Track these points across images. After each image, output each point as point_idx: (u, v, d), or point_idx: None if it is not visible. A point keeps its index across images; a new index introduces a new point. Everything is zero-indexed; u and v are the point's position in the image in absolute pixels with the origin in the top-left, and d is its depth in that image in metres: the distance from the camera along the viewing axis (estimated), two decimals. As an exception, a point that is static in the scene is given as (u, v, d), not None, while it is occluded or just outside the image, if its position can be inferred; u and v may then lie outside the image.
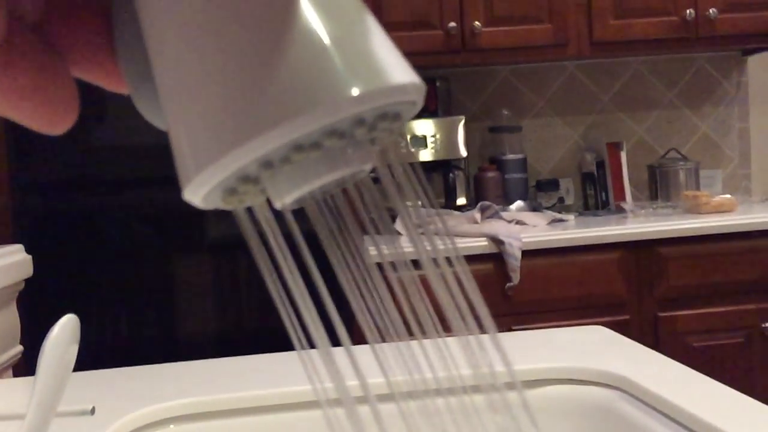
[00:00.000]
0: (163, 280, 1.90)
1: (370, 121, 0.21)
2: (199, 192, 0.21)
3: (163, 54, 0.21)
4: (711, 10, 2.18)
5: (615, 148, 2.41)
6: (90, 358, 0.78)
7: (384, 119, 0.21)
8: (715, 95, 2.54)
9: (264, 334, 1.90)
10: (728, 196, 2.12)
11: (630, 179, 2.40)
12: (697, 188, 2.32)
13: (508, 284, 1.89)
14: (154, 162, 1.87)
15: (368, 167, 0.22)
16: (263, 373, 0.74)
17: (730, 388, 0.62)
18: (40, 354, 0.31)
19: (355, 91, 0.20)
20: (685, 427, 0.56)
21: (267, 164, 0.20)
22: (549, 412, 0.67)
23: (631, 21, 2.20)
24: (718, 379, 0.63)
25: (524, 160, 2.39)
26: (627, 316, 1.92)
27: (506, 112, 2.45)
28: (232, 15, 0.20)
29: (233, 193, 0.21)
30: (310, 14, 0.20)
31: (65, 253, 1.84)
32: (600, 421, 0.65)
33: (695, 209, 2.09)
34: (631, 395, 0.63)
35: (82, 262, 1.85)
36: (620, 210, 2.28)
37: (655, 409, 0.60)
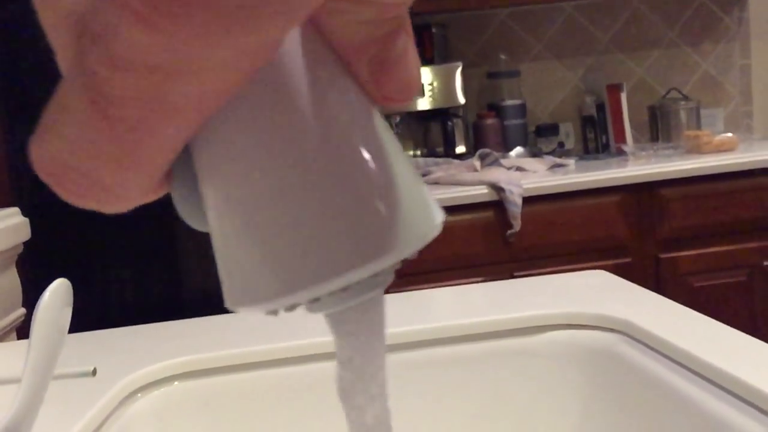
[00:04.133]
0: (167, 241, 1.90)
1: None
2: (243, 310, 0.22)
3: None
4: (711, -56, 2.13)
5: (615, 89, 2.38)
6: (94, 319, 0.79)
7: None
8: (716, 32, 2.49)
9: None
10: (729, 134, 2.11)
11: (630, 121, 2.38)
12: (699, 128, 2.30)
13: (509, 231, 1.89)
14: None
15: (389, 283, 0.24)
16: (268, 329, 0.74)
17: (732, 328, 0.62)
18: (32, 321, 0.31)
19: (431, 230, 0.22)
20: (687, 368, 0.56)
21: (344, 288, 0.21)
22: (550, 357, 0.68)
23: (630, -42, 2.15)
24: (720, 319, 0.63)
25: (523, 106, 2.37)
26: (628, 259, 1.93)
27: (504, 57, 2.41)
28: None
29: (280, 310, 0.22)
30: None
31: (64, 215, 1.83)
32: (602, 365, 0.65)
33: (696, 149, 2.07)
34: (633, 338, 0.63)
35: (82, 224, 1.85)
36: (621, 153, 2.27)
37: (657, 351, 0.60)
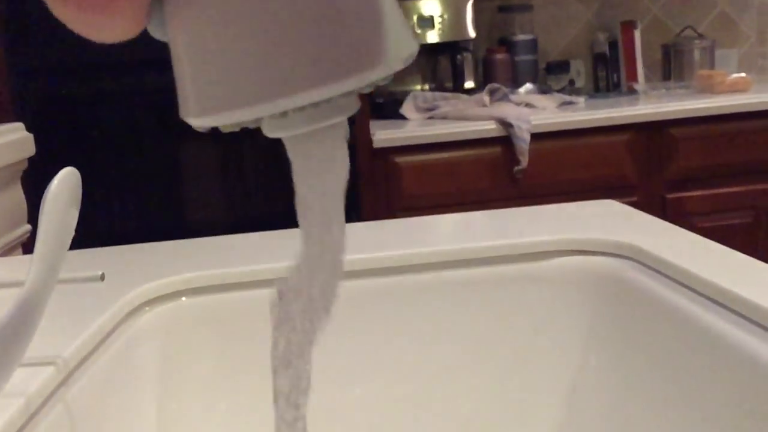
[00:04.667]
0: (168, 166, 1.89)
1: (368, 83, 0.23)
2: (202, 123, 0.23)
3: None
4: None
5: (629, 26, 2.32)
6: (97, 243, 0.78)
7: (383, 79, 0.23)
8: (736, -31, 2.43)
9: (272, 219, 1.92)
10: (743, 74, 2.07)
11: (643, 59, 2.33)
12: (712, 68, 2.25)
13: (516, 167, 1.88)
14: (158, 45, 1.82)
15: (354, 111, 0.24)
16: (274, 248, 0.74)
17: (743, 254, 0.61)
18: (40, 211, 0.31)
19: (405, 52, 0.22)
20: (697, 292, 0.56)
21: (283, 113, 0.22)
22: (559, 283, 0.67)
23: None
24: None
25: (534, 41, 2.32)
26: (635, 198, 1.92)
27: (517, -9, 2.35)
28: None
29: (230, 128, 0.23)
30: None
31: (69, 136, 1.82)
32: (611, 290, 0.65)
33: (709, 89, 2.04)
34: (642, 264, 0.63)
35: (86, 146, 1.84)
36: (632, 91, 2.23)
37: (666, 276, 0.59)
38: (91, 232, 1.87)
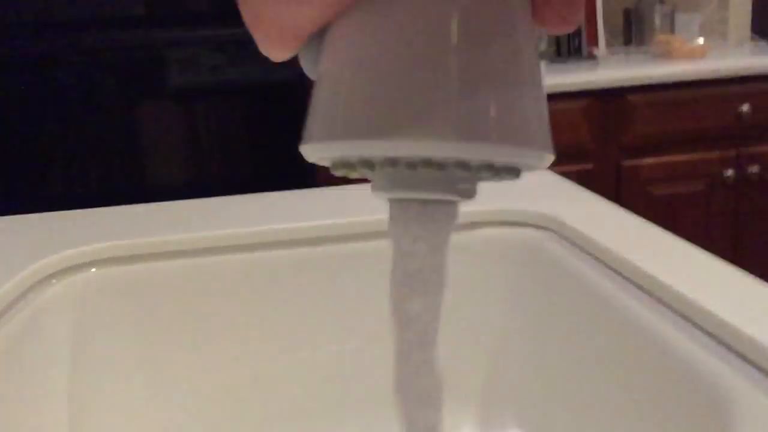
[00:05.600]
0: (128, 129, 1.84)
1: (498, 167, 0.21)
2: (315, 153, 0.22)
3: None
4: None
5: (591, -10, 2.30)
6: (56, 208, 0.75)
7: (507, 172, 0.21)
8: (700, -67, 2.40)
9: (231, 182, 1.88)
10: (701, 41, 2.06)
11: (605, 24, 2.32)
12: (672, 32, 2.24)
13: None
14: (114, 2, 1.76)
15: (470, 198, 0.23)
16: (194, 217, 0.71)
17: (665, 231, 0.61)
18: None
19: (548, 159, 0.22)
20: (612, 269, 0.55)
21: (393, 162, 0.20)
22: (482, 253, 0.66)
23: None
24: (676, 228, 0.62)
25: (496, 4, 2.29)
26: (590, 165, 1.92)
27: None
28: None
29: (340, 167, 0.22)
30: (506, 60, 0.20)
31: (23, 98, 1.77)
32: (529, 261, 0.64)
33: (667, 54, 2.03)
34: (562, 236, 0.62)
35: (40, 110, 1.78)
36: (592, 57, 2.22)
37: (582, 249, 0.59)
38: (50, 196, 1.83)
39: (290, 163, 1.49)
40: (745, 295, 0.47)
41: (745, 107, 1.93)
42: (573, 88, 1.87)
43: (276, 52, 0.21)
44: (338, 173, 0.22)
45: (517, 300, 0.64)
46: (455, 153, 0.20)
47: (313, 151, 0.22)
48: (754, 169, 1.96)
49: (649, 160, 1.94)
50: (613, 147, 1.93)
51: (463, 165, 0.20)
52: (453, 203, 0.23)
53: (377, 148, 0.20)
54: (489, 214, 0.67)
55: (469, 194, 0.22)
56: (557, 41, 2.38)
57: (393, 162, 0.20)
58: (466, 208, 0.68)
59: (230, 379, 0.66)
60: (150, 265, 0.65)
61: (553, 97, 1.87)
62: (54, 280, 0.62)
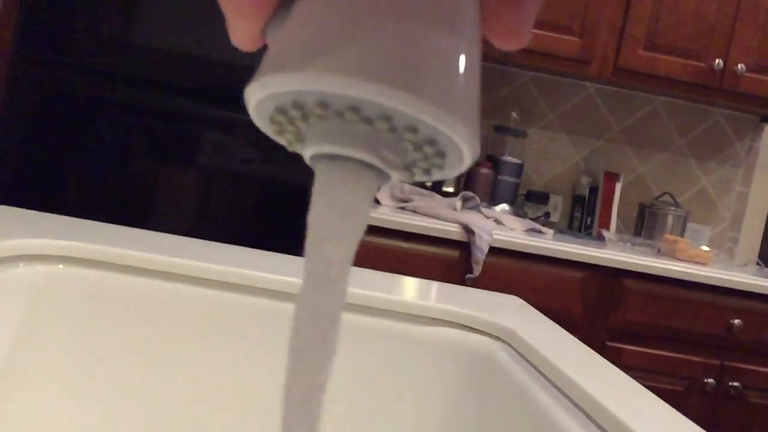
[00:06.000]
0: (145, 191, 1.89)
1: (422, 138, 0.22)
2: (259, 92, 0.22)
3: None
4: (740, 66, 2.17)
5: (612, 178, 2.40)
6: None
7: (430, 146, 0.22)
8: (724, 153, 2.52)
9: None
10: (706, 248, 2.11)
11: (619, 212, 2.39)
12: (682, 236, 2.30)
13: (468, 275, 1.89)
14: (167, 68, 1.86)
15: (394, 178, 0.24)
16: (174, 247, 0.73)
17: (617, 369, 0.61)
18: None
19: (476, 148, 0.22)
20: (560, 390, 0.56)
21: (324, 105, 0.22)
22: (431, 350, 0.67)
23: (660, 56, 2.18)
24: None
25: (521, 166, 2.39)
26: (575, 337, 1.91)
27: (515, 116, 2.44)
28: None
29: (275, 121, 0.23)
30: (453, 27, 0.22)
31: (54, 134, 1.83)
32: (478, 367, 0.64)
33: (671, 254, 2.08)
34: (514, 348, 0.62)
35: (70, 149, 1.84)
36: (600, 237, 2.27)
37: (530, 363, 0.59)
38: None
39: (289, 241, 1.52)
40: (670, 424, 0.47)
41: (737, 321, 1.94)
42: (574, 258, 1.90)
43: (244, 27, 0.23)
44: (272, 132, 0.24)
45: (458, 402, 0.64)
46: (373, 94, 0.20)
47: (251, 92, 0.22)
48: (735, 383, 1.94)
49: (633, 348, 1.93)
50: (601, 325, 1.94)
51: (388, 119, 0.21)
52: (374, 178, 0.24)
53: (306, 82, 0.21)
54: (450, 314, 0.68)
55: (390, 163, 0.23)
56: (571, 217, 2.45)
57: (323, 105, 0.21)
58: (429, 303, 0.69)
59: (151, 404, 0.65)
60: (117, 276, 0.66)
61: (554, 261, 1.91)
62: (21, 264, 0.64)
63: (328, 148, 0.23)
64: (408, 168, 0.24)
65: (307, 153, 0.24)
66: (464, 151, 0.22)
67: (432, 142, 0.22)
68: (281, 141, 0.24)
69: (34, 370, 0.63)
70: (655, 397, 0.52)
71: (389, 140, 0.22)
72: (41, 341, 0.63)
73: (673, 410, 0.50)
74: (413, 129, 0.22)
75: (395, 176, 0.23)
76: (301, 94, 0.22)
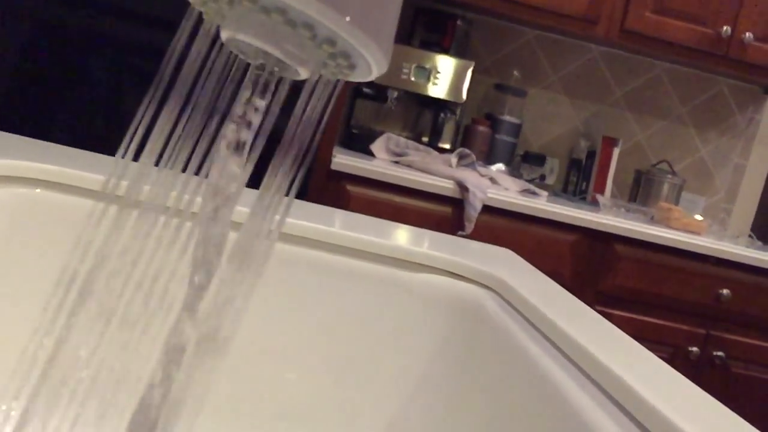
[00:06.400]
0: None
1: (321, 37, 0.23)
2: None
3: None
4: (747, 34, 2.13)
5: (610, 142, 2.37)
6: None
7: (342, 58, 0.23)
8: (725, 124, 2.50)
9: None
10: (700, 217, 2.10)
11: (615, 177, 2.37)
12: (676, 205, 2.29)
13: (459, 232, 1.87)
14: (160, 3, 1.81)
15: (302, 74, 0.25)
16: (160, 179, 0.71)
17: (606, 321, 0.60)
18: None
19: (379, 57, 0.23)
20: (548, 339, 0.54)
21: None
22: (418, 296, 0.65)
23: (667, 20, 2.14)
24: None
25: (519, 126, 2.35)
26: (564, 300, 1.91)
27: (516, 74, 2.40)
28: None
29: None
30: None
31: (44, 70, 1.79)
32: (464, 313, 0.62)
33: (665, 221, 2.06)
34: (501, 296, 0.61)
35: (60, 85, 1.80)
36: (594, 202, 2.26)
37: (517, 310, 0.58)
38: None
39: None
40: (652, 368, 0.46)
41: (726, 292, 1.94)
42: (567, 221, 1.89)
43: None
44: (196, 3, 0.24)
45: (445, 348, 0.62)
46: (305, 5, 0.21)
47: None
48: (719, 353, 1.95)
49: (620, 313, 1.93)
50: (590, 288, 1.94)
51: (310, 28, 0.22)
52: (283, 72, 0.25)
53: None
54: (438, 260, 0.66)
55: (294, 58, 0.24)
56: (566, 180, 2.43)
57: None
58: (418, 249, 0.67)
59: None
60: (93, 202, 0.64)
61: (546, 223, 1.89)
62: (-4, 185, 0.61)
63: (243, 37, 0.24)
64: (316, 70, 0.25)
65: (224, 34, 0.24)
66: (373, 70, 0.24)
67: (346, 56, 0.23)
68: (200, 8, 0.25)
69: (8, 291, 0.61)
70: (640, 346, 0.51)
71: (290, 34, 0.23)
72: (15, 263, 0.61)
73: (656, 358, 0.48)
74: (332, 42, 0.23)
75: (302, 72, 0.25)
76: None
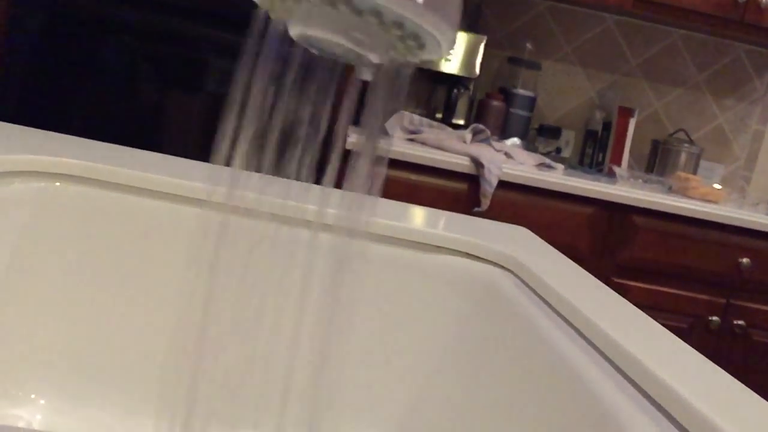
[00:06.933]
0: (150, 117, 1.87)
1: (389, 22, 0.23)
2: None
3: None
4: (765, -2, 2.09)
5: (626, 113, 2.35)
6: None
7: (411, 39, 0.24)
8: (743, 90, 2.46)
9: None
10: (718, 186, 2.08)
11: (631, 148, 2.35)
12: (695, 174, 2.27)
13: (476, 208, 1.87)
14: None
15: (373, 59, 0.26)
16: (175, 167, 0.72)
17: (621, 297, 0.60)
18: None
19: (448, 38, 0.24)
20: (565, 319, 0.55)
21: None
22: (434, 277, 0.66)
23: (682, -14, 2.10)
24: None
25: (534, 100, 2.34)
26: (582, 273, 1.91)
27: (530, 47, 2.38)
28: None
29: None
30: None
31: (59, 57, 1.80)
32: (481, 294, 0.63)
33: (683, 191, 2.05)
34: (518, 276, 0.61)
35: (75, 72, 1.81)
36: (611, 174, 2.25)
37: (533, 290, 0.58)
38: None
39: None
40: (671, 349, 0.46)
41: (746, 260, 1.93)
42: (584, 194, 1.88)
43: None
44: (262, 3, 0.24)
45: (462, 330, 0.63)
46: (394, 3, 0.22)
47: None
48: (740, 322, 1.95)
49: (639, 284, 1.93)
50: (608, 261, 1.93)
51: (377, 14, 0.22)
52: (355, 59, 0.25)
53: None
54: (454, 242, 0.67)
55: (366, 46, 0.24)
56: (582, 152, 2.42)
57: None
58: (434, 231, 0.68)
59: (144, 319, 0.65)
60: (113, 194, 0.65)
61: (562, 196, 1.89)
62: (17, 180, 0.62)
63: (313, 31, 0.24)
64: (385, 53, 0.26)
65: (293, 31, 0.25)
66: (443, 47, 0.24)
67: (415, 36, 0.23)
68: (267, 9, 0.25)
69: (29, 288, 0.62)
70: (658, 325, 0.51)
71: (374, 32, 0.23)
72: (36, 257, 0.63)
73: (674, 337, 0.49)
74: (400, 24, 0.23)
75: (373, 58, 0.25)
76: None
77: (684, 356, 0.47)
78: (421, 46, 0.24)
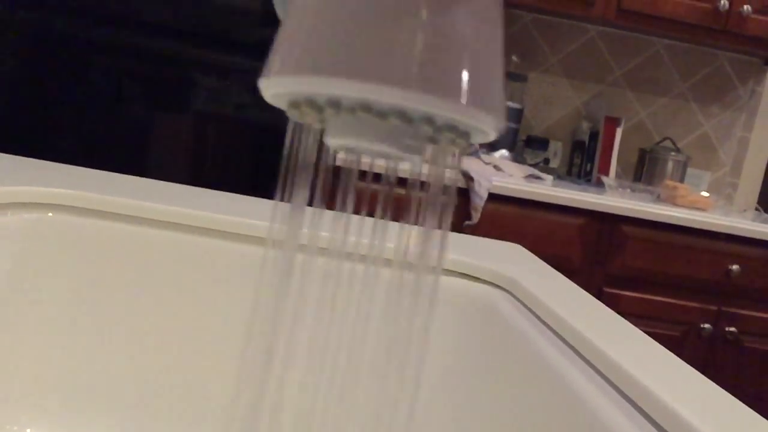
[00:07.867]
0: (138, 137, 1.86)
1: (440, 125, 0.22)
2: (271, 89, 0.22)
3: None
4: (745, 7, 2.12)
5: (613, 122, 2.37)
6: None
7: (453, 131, 0.22)
8: (727, 98, 2.49)
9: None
10: (706, 194, 2.10)
11: (619, 157, 2.37)
12: (682, 182, 2.29)
13: (466, 222, 1.87)
14: (161, 10, 1.81)
15: (417, 160, 0.24)
16: (165, 194, 0.71)
17: (617, 315, 0.60)
18: None
19: (497, 120, 0.22)
20: (562, 339, 0.55)
21: (336, 104, 0.21)
22: (437, 299, 0.66)
23: (664, -3, 2.13)
24: None
25: (521, 112, 2.35)
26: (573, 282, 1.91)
27: (515, 60, 2.39)
28: None
29: (297, 107, 0.22)
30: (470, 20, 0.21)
31: (45, 78, 1.79)
32: (478, 315, 0.63)
33: (671, 199, 2.06)
34: (515, 297, 0.61)
35: (62, 93, 1.80)
36: (600, 183, 2.26)
37: (531, 311, 0.58)
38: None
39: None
40: (671, 369, 0.46)
41: (735, 267, 1.94)
42: (573, 204, 1.89)
43: None
44: (291, 115, 0.23)
45: (460, 350, 0.63)
46: (383, 95, 0.20)
47: (266, 87, 0.22)
48: (731, 329, 1.95)
49: (630, 294, 1.94)
50: (599, 271, 1.94)
51: (403, 116, 0.21)
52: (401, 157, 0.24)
53: (316, 86, 0.20)
54: (452, 263, 0.67)
55: (413, 150, 0.23)
56: (570, 163, 2.43)
57: (335, 104, 0.21)
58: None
59: (138, 350, 0.64)
60: (105, 223, 0.64)
61: (552, 208, 1.89)
62: (9, 212, 0.62)
63: (346, 141, 0.23)
64: (432, 142, 0.24)
65: (332, 142, 0.24)
66: (487, 132, 0.22)
67: (451, 128, 0.22)
68: (301, 121, 0.24)
69: (22, 319, 0.62)
70: (656, 343, 0.51)
71: (405, 129, 0.22)
72: (29, 290, 0.62)
73: (674, 356, 0.49)
74: (429, 120, 0.21)
75: (416, 160, 0.24)
76: (312, 94, 0.21)
77: (685, 377, 0.47)
78: (465, 135, 0.23)
